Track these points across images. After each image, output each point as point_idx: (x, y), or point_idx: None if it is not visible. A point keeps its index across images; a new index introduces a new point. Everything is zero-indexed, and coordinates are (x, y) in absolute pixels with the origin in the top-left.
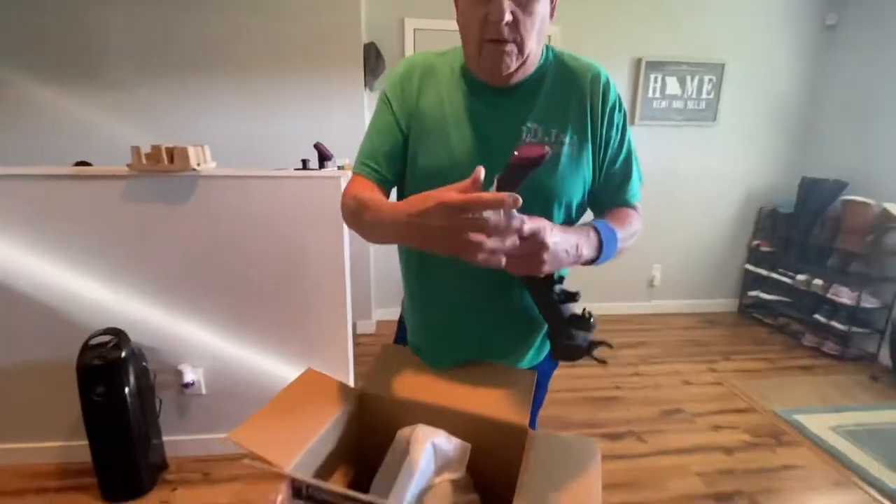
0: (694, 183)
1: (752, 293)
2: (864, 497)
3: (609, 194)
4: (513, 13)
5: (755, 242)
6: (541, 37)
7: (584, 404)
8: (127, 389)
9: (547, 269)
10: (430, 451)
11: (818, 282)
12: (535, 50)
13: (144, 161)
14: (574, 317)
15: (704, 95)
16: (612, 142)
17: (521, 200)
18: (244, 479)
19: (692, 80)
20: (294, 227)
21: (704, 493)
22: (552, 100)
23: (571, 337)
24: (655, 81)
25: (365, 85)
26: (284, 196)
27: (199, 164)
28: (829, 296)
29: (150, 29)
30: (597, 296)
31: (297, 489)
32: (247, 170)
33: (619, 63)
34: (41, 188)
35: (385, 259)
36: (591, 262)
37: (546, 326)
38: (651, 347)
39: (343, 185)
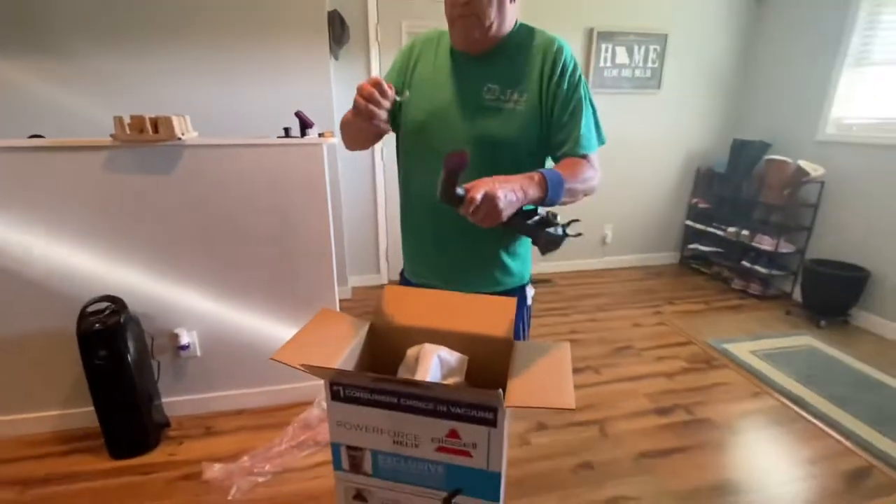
0: (640, 147)
1: (692, 246)
2: (776, 403)
3: (559, 145)
4: None
5: (694, 200)
6: (501, 12)
7: None
8: (127, 353)
9: (505, 214)
10: (436, 361)
11: (745, 232)
12: (496, 22)
13: (128, 131)
14: (543, 220)
15: (650, 64)
16: (558, 99)
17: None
18: (246, 431)
19: (639, 49)
20: (279, 193)
21: (650, 409)
22: (512, 66)
23: (548, 234)
24: (606, 51)
25: (330, 53)
26: (268, 164)
27: (183, 134)
28: (753, 244)
29: None
30: (556, 255)
31: (336, 392)
32: (231, 138)
33: (573, 33)
34: (24, 160)
35: (357, 228)
36: (543, 200)
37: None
38: (605, 297)
39: (325, 152)
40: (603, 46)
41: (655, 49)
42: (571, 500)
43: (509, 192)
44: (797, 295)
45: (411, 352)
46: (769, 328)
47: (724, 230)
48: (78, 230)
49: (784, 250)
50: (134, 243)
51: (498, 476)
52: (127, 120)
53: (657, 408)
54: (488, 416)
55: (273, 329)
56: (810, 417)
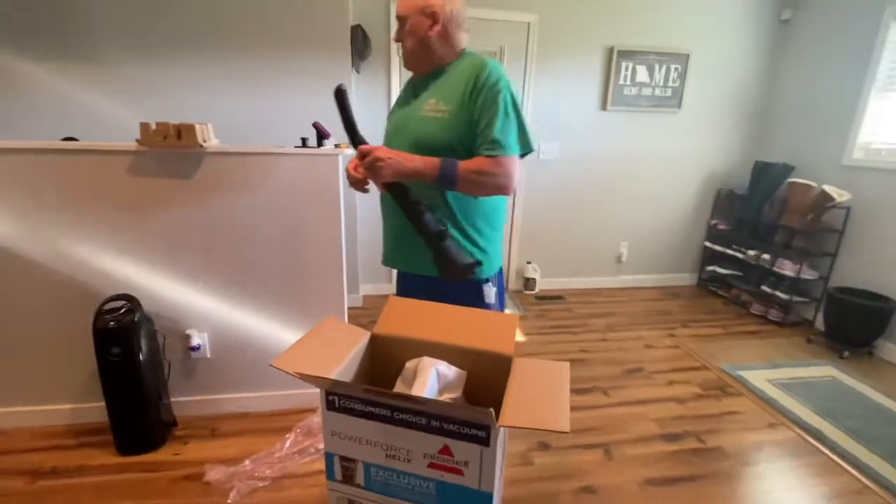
0: (659, 166)
1: (710, 268)
2: (791, 434)
3: (476, 147)
4: (398, 31)
5: (713, 221)
6: (423, 45)
7: None
8: (140, 351)
9: (386, 173)
10: (434, 375)
11: (766, 256)
12: (418, 52)
13: (154, 137)
14: (439, 229)
15: (671, 83)
16: (477, 108)
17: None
18: (250, 434)
19: (660, 68)
20: (293, 201)
21: (658, 434)
22: (449, 83)
23: (446, 248)
24: (626, 69)
25: (352, 66)
26: (284, 172)
27: (204, 141)
28: (774, 269)
29: (138, 5)
30: (569, 271)
31: (331, 402)
32: (249, 147)
33: (592, 51)
34: (53, 162)
35: (371, 238)
36: (437, 177)
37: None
38: (618, 317)
39: (341, 162)
40: (623, 65)
41: (677, 68)
42: None
43: (397, 157)
44: (819, 323)
45: (410, 364)
46: (788, 356)
47: (745, 253)
48: (100, 230)
49: (806, 276)
50: (152, 244)
51: (490, 497)
52: (153, 126)
53: (666, 433)
54: (481, 435)
55: (282, 334)
56: (828, 452)
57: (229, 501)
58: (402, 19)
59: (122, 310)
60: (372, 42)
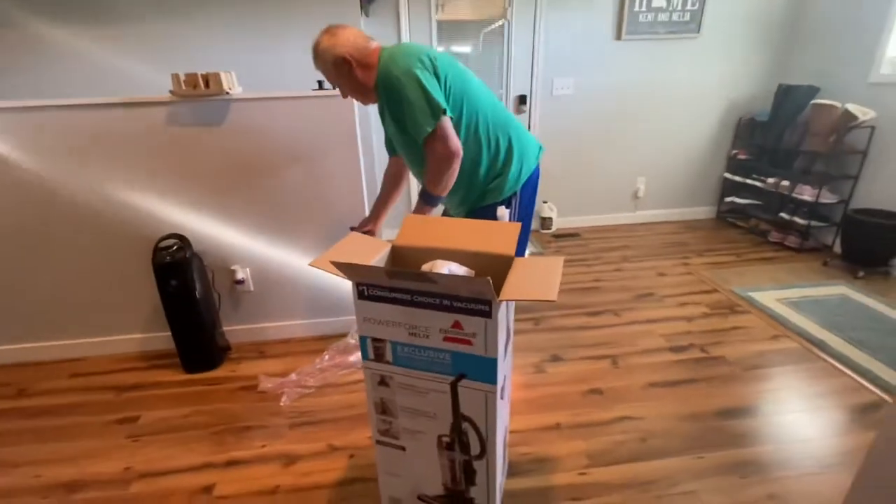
0: (678, 97)
1: (729, 199)
2: (794, 345)
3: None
4: (341, 92)
5: (734, 152)
6: (357, 87)
7: (569, 293)
8: (194, 283)
9: None
10: (447, 272)
11: (785, 183)
12: (360, 93)
13: (184, 87)
14: None
15: (689, 7)
16: (399, 117)
17: None
18: (292, 355)
19: None
20: (315, 142)
21: (665, 346)
22: (382, 103)
23: None
24: None
25: (360, 10)
26: (305, 115)
27: (230, 89)
28: (793, 195)
29: None
30: (585, 209)
31: (361, 292)
32: (270, 92)
33: None
34: (98, 116)
35: None
36: (432, 206)
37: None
38: (633, 250)
39: (355, 103)
40: None
41: None
42: (579, 418)
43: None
44: (838, 247)
45: (425, 266)
46: (802, 278)
47: (764, 181)
48: (146, 176)
49: (826, 200)
50: (193, 187)
51: (494, 361)
52: (182, 77)
53: (672, 346)
54: (485, 309)
55: (314, 269)
56: (827, 357)
57: (282, 403)
58: (330, 81)
59: (175, 247)
60: None
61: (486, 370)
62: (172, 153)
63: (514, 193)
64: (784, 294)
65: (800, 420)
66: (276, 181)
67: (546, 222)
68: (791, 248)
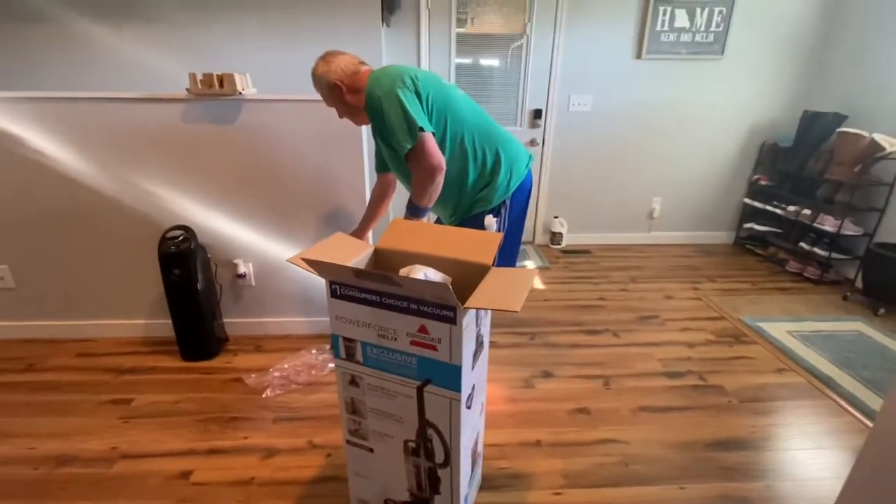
0: (697, 118)
1: (747, 225)
2: (799, 379)
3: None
4: (339, 112)
5: (755, 177)
6: (350, 109)
7: (571, 310)
8: (196, 274)
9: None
10: (423, 277)
11: (806, 212)
12: (353, 115)
13: (200, 86)
14: None
15: (713, 28)
16: (377, 128)
17: None
18: (288, 351)
19: (702, 12)
20: (321, 144)
21: (661, 371)
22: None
23: None
24: (664, 14)
25: (382, 21)
26: (313, 118)
27: (243, 89)
28: (814, 224)
29: None
30: (597, 226)
31: (334, 290)
32: (281, 94)
33: None
34: (119, 109)
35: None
36: (418, 214)
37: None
38: (642, 270)
39: None
40: (661, 9)
41: (721, 11)
42: (561, 437)
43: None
44: (860, 282)
45: (403, 270)
46: (818, 312)
47: (784, 209)
48: (159, 169)
49: (848, 232)
50: (202, 182)
51: (459, 369)
52: (199, 77)
53: (668, 371)
54: (450, 315)
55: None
56: (834, 395)
57: (263, 396)
58: (326, 103)
59: (180, 238)
60: None
61: (450, 377)
62: (186, 148)
63: (504, 202)
64: (796, 326)
65: (796, 458)
66: (281, 180)
67: (556, 237)
68: (810, 279)
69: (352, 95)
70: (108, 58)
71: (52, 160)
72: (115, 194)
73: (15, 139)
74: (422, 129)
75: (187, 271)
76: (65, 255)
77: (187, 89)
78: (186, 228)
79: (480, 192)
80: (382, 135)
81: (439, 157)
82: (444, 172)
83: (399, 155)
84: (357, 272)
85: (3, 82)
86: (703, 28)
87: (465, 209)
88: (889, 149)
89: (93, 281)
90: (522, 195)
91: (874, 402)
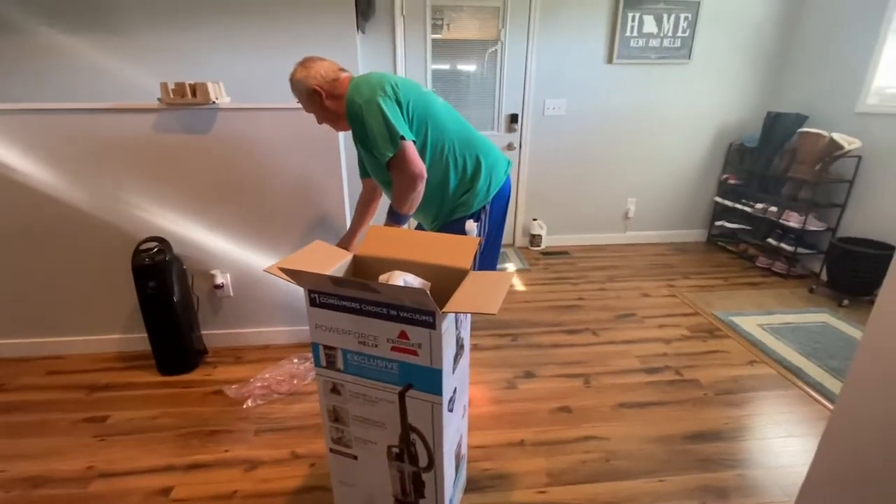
0: (668, 120)
1: (718, 223)
2: (770, 371)
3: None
4: (318, 119)
5: (724, 176)
6: (329, 115)
7: (550, 310)
8: (172, 286)
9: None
10: (402, 283)
11: (773, 209)
12: (333, 121)
13: (171, 96)
14: None
15: (680, 34)
16: (358, 135)
17: None
18: (269, 361)
19: (668, 18)
20: (299, 153)
21: (639, 368)
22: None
23: None
24: (633, 20)
25: (357, 28)
26: (289, 126)
27: (216, 98)
28: (781, 221)
29: None
30: (575, 227)
31: (313, 299)
32: (257, 103)
33: (597, 3)
34: (87, 120)
35: None
36: (399, 220)
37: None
38: (619, 270)
39: None
40: (629, 16)
41: (686, 17)
42: (544, 436)
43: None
44: (826, 275)
45: (382, 277)
46: (786, 305)
47: (752, 206)
48: (132, 180)
49: (813, 228)
50: (177, 193)
51: (440, 373)
52: (171, 86)
53: (646, 367)
54: (429, 320)
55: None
56: (803, 385)
57: (244, 407)
58: (305, 109)
59: (155, 249)
60: (376, 3)
61: (432, 381)
62: (159, 158)
63: (484, 207)
64: (766, 320)
65: (768, 447)
66: (259, 189)
67: (535, 240)
68: (779, 273)
69: (332, 101)
70: (76, 67)
71: (19, 173)
72: (86, 207)
73: None
74: (402, 138)
75: (163, 283)
76: (34, 270)
77: (159, 99)
78: (161, 240)
79: (461, 197)
80: (363, 142)
81: (420, 166)
82: (424, 180)
83: (380, 162)
84: (335, 280)
85: None
86: (670, 33)
87: (446, 215)
88: (847, 147)
89: (64, 296)
90: (502, 200)
91: (840, 389)
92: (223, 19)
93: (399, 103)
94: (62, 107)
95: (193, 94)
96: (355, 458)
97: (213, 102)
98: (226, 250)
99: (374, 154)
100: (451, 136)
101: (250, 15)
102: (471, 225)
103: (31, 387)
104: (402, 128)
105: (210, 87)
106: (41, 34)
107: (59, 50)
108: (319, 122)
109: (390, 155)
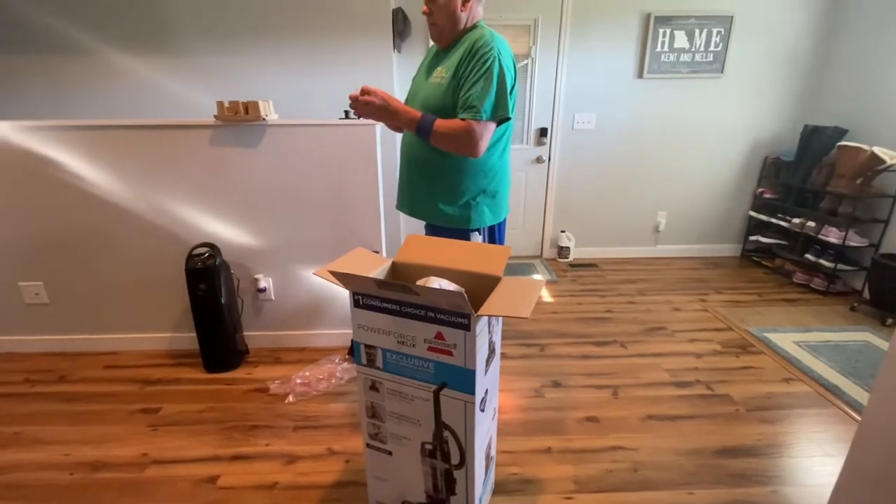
0: (700, 134)
1: (753, 238)
2: (806, 388)
3: (458, 109)
4: (428, 6)
5: (759, 190)
6: (452, 19)
7: (579, 322)
8: (220, 289)
9: (369, 110)
10: (437, 287)
11: (811, 224)
12: (447, 26)
13: (227, 113)
14: None
15: (712, 48)
16: (464, 76)
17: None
18: (306, 363)
19: (700, 33)
20: (338, 166)
21: (669, 381)
22: (454, 56)
23: None
24: (664, 35)
25: (394, 47)
26: (330, 141)
27: (266, 115)
28: (819, 236)
29: (209, 2)
30: (604, 240)
31: (357, 301)
32: (302, 119)
33: (628, 18)
34: (149, 135)
35: None
36: (415, 130)
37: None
38: (650, 283)
39: (378, 132)
40: (660, 31)
41: (719, 32)
42: (572, 444)
43: (387, 103)
44: (868, 293)
45: (420, 281)
46: (825, 322)
47: (789, 221)
48: (188, 189)
49: (853, 244)
50: (228, 202)
51: (473, 373)
52: (226, 104)
53: (676, 381)
54: (464, 322)
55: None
56: (841, 404)
57: (286, 402)
58: (433, 2)
59: (206, 255)
60: (412, 23)
61: (465, 381)
62: (213, 170)
63: (479, 230)
64: (803, 337)
65: (804, 465)
66: (301, 199)
67: (563, 251)
68: (817, 290)
69: (466, 15)
70: (140, 86)
71: (89, 183)
72: (145, 214)
73: (55, 164)
74: (503, 118)
75: (212, 286)
76: (96, 272)
77: (215, 116)
78: (212, 245)
79: (461, 201)
80: (459, 75)
81: (482, 149)
82: (470, 158)
83: (447, 97)
84: (379, 283)
85: (45, 112)
86: (702, 48)
87: (433, 209)
88: (889, 161)
89: (122, 296)
90: (488, 234)
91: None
92: (272, 40)
93: (512, 88)
94: (130, 123)
95: (246, 111)
96: (390, 453)
97: (264, 119)
98: (270, 256)
99: (463, 95)
100: (504, 146)
101: (296, 37)
102: (476, 238)
103: (90, 379)
104: (509, 108)
105: (261, 104)
106: (110, 56)
107: (125, 71)
108: (437, 20)
109: (482, 117)
